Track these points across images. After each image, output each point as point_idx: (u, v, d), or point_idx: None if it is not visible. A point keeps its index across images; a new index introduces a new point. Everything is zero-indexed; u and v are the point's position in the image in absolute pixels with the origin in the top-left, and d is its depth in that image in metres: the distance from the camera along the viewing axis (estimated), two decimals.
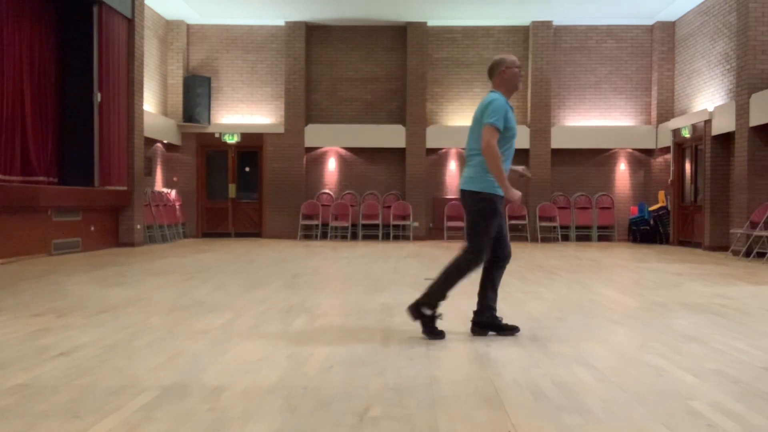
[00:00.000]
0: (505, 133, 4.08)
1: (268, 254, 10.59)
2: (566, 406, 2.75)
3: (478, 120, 4.14)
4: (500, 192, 4.07)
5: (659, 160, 14.86)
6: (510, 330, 4.22)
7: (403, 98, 15.20)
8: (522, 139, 14.83)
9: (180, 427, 2.46)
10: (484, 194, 4.07)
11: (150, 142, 13.60)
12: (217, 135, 15.19)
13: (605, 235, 15.02)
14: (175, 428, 2.45)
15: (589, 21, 14.85)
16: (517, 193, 4.07)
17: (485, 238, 4.09)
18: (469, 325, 4.27)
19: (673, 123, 13.84)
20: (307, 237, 15.00)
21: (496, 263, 4.24)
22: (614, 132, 14.90)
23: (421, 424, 2.51)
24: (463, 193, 4.19)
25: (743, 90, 11.02)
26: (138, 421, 2.52)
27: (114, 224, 11.88)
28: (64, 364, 3.36)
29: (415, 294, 6.04)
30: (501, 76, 4.23)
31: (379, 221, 14.86)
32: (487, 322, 4.22)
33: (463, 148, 15.23)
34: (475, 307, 4.27)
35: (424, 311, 4.09)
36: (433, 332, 4.08)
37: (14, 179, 9.61)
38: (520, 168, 4.55)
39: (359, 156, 15.39)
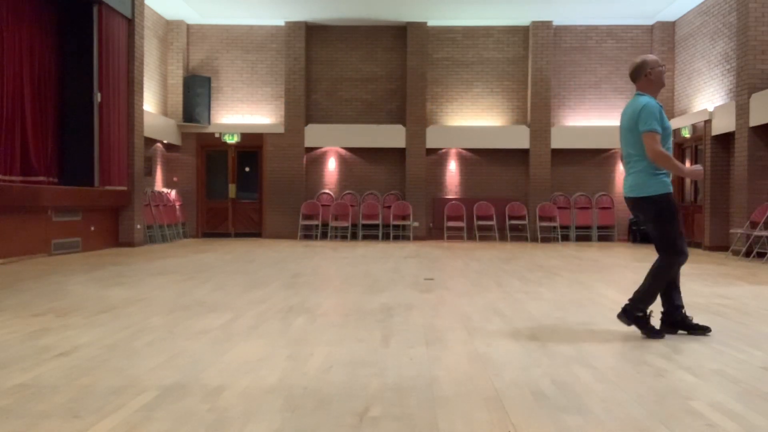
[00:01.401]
0: (662, 134, 4.09)
1: (268, 254, 10.59)
2: (566, 406, 2.75)
3: (631, 126, 4.14)
4: (670, 189, 4.13)
5: None
6: (702, 330, 4.22)
7: (403, 98, 15.20)
8: (522, 139, 14.84)
9: (180, 427, 2.46)
10: (656, 197, 4.10)
11: (150, 142, 13.60)
12: (217, 135, 15.19)
13: (605, 235, 15.02)
14: (175, 428, 2.45)
15: (589, 21, 14.85)
16: (698, 168, 4.20)
17: (676, 235, 4.10)
18: (658, 324, 4.26)
19: (673, 123, 13.84)
20: (307, 237, 15.00)
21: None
22: (614, 132, 14.76)
23: (421, 424, 2.51)
24: (634, 201, 4.21)
25: (743, 90, 11.02)
26: (138, 421, 2.52)
27: (114, 224, 11.88)
28: (64, 364, 3.36)
29: (416, 293, 6.06)
30: (647, 78, 4.23)
31: (379, 221, 14.86)
32: (678, 321, 4.23)
33: (463, 149, 15.27)
34: (661, 308, 4.29)
35: (638, 315, 4.18)
36: (652, 331, 4.14)
37: (14, 179, 9.61)
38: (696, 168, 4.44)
39: (359, 156, 15.38)
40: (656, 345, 3.93)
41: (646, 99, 4.15)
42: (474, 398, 2.85)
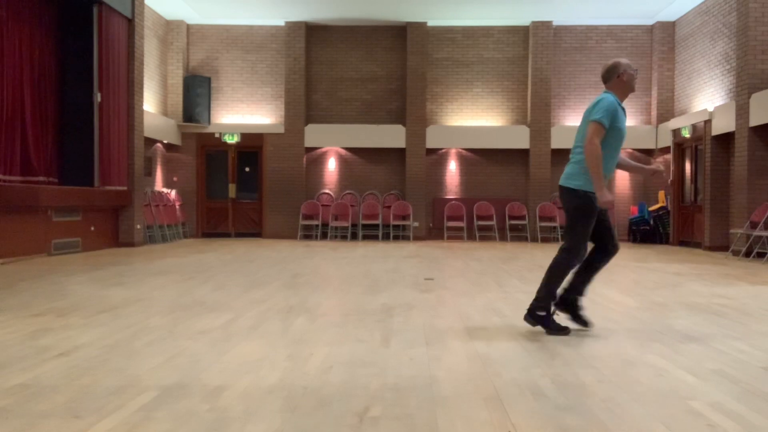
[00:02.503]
0: (611, 132, 4.10)
1: (268, 254, 10.59)
2: (566, 406, 2.75)
3: (585, 118, 4.20)
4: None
5: (659, 160, 14.85)
6: (584, 323, 4.30)
7: (403, 98, 15.20)
8: (522, 139, 14.84)
9: (180, 427, 2.46)
10: (581, 192, 4.13)
11: (150, 142, 13.60)
12: (217, 135, 15.19)
13: None
14: (175, 428, 2.45)
15: (589, 21, 14.85)
16: (609, 196, 4.07)
17: (583, 235, 4.16)
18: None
19: (673, 123, 13.84)
20: (307, 237, 15.00)
21: (605, 255, 4.32)
22: None
23: (421, 424, 2.51)
24: (562, 189, 4.27)
25: (743, 90, 11.02)
26: (138, 421, 2.52)
27: (114, 224, 11.88)
28: (64, 364, 3.36)
29: (416, 293, 6.05)
30: (619, 80, 4.27)
31: (379, 221, 14.86)
32: (571, 300, 4.30)
33: (463, 149, 15.27)
34: (565, 286, 4.32)
35: (539, 314, 4.22)
36: (557, 328, 4.19)
37: (14, 179, 9.61)
38: (653, 165, 4.54)
39: (359, 156, 15.39)
40: (656, 345, 3.94)
41: (607, 95, 4.20)
42: (474, 398, 2.85)
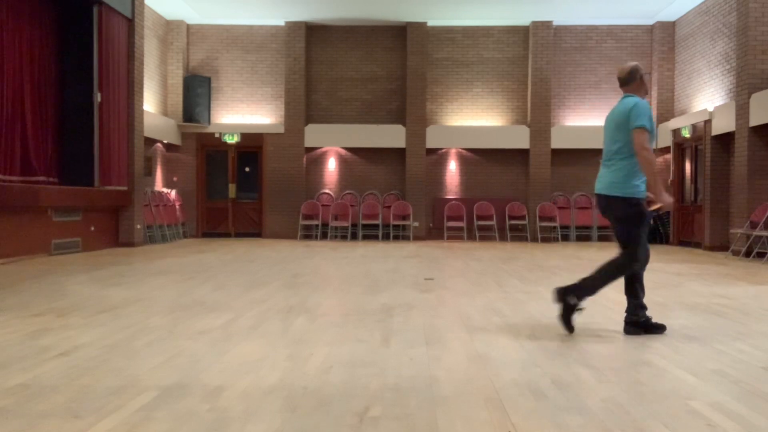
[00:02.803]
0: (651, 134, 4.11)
1: (268, 254, 10.59)
2: (566, 406, 2.75)
3: (620, 124, 4.16)
4: (645, 195, 4.14)
5: (659, 160, 14.85)
6: (658, 328, 4.25)
7: (403, 98, 15.20)
8: (522, 139, 14.84)
9: (180, 427, 2.46)
10: (633, 200, 4.11)
11: (150, 142, 13.60)
12: (217, 135, 15.19)
13: (605, 235, 15.01)
14: (175, 428, 2.45)
15: (589, 21, 14.85)
16: (670, 198, 4.09)
17: (642, 240, 4.15)
18: (622, 325, 4.31)
19: (673, 123, 13.84)
20: (307, 237, 15.00)
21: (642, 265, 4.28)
22: None
23: (421, 424, 2.51)
24: (607, 198, 4.21)
25: (743, 90, 11.01)
26: (138, 421, 2.52)
27: (114, 224, 11.88)
28: (64, 364, 3.36)
29: (416, 293, 6.05)
30: (640, 82, 4.29)
31: (379, 221, 14.86)
32: (642, 321, 4.23)
33: (463, 149, 15.27)
34: (626, 308, 4.30)
35: (570, 299, 4.15)
36: (567, 322, 4.18)
37: (14, 179, 9.61)
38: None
39: (359, 156, 15.38)
40: (656, 345, 3.94)
41: (637, 99, 4.20)
42: (474, 398, 2.85)
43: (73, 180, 10.78)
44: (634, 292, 4.23)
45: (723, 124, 11.82)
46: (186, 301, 5.54)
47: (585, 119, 15.08)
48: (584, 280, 4.20)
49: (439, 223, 15.11)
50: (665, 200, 4.06)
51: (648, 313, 4.29)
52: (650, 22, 14.73)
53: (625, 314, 4.30)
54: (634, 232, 4.12)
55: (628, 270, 4.18)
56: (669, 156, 14.30)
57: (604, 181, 4.25)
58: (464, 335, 4.20)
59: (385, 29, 15.31)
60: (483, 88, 15.27)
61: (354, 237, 14.96)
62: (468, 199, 15.15)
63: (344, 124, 15.20)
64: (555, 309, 5.27)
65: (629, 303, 4.27)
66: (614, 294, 6.20)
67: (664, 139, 14.35)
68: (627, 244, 4.15)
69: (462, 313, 5.03)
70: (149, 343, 3.90)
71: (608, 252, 11.73)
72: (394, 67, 15.35)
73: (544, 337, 4.16)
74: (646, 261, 4.26)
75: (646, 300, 4.31)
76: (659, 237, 14.26)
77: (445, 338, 4.10)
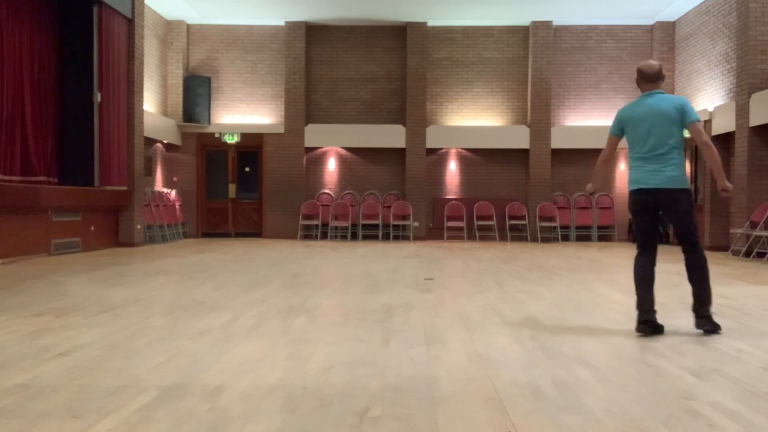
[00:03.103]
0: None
1: (268, 254, 10.59)
2: (566, 406, 2.75)
3: (675, 119, 4.22)
4: None
5: None
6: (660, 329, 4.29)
7: (403, 98, 15.20)
8: (522, 139, 14.84)
9: (180, 427, 2.46)
10: (689, 189, 4.32)
11: (150, 142, 13.60)
12: (217, 135, 15.19)
13: (605, 235, 15.02)
14: (175, 428, 2.45)
15: (589, 21, 14.85)
16: (731, 185, 4.29)
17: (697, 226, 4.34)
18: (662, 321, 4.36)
19: None
20: (307, 237, 15.00)
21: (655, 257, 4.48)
22: None
23: (421, 424, 2.51)
24: (672, 192, 4.23)
25: (743, 90, 11.02)
26: (138, 421, 2.52)
27: (114, 224, 11.87)
28: (64, 364, 3.36)
29: (416, 293, 6.05)
30: (664, 79, 4.42)
31: (379, 221, 14.86)
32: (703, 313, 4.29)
33: (463, 149, 15.26)
34: (692, 302, 4.35)
35: (705, 312, 4.26)
36: (717, 327, 4.25)
37: (14, 179, 9.61)
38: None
39: (359, 156, 15.38)
40: (656, 345, 3.94)
41: (670, 95, 4.36)
42: (474, 398, 2.85)
43: (73, 180, 10.78)
44: (651, 291, 4.31)
45: (723, 124, 11.83)
46: (186, 301, 5.54)
47: (585, 119, 15.08)
48: (702, 295, 4.28)
49: (439, 223, 15.11)
50: (729, 187, 4.26)
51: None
52: (650, 22, 14.73)
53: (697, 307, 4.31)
54: (694, 218, 4.33)
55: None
56: None
57: (664, 175, 4.22)
58: (464, 335, 4.20)
59: (385, 29, 15.31)
60: (483, 88, 15.27)
61: (354, 237, 14.96)
62: (468, 199, 15.15)
63: (344, 124, 15.20)
64: (554, 309, 5.27)
65: (697, 296, 4.31)
66: (614, 294, 6.20)
67: None
68: (694, 229, 4.29)
69: (462, 313, 5.03)
70: (149, 343, 3.89)
71: (608, 251, 11.78)
72: (394, 67, 15.35)
73: (544, 337, 4.16)
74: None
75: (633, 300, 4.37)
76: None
77: (445, 338, 4.10)
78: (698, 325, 4.25)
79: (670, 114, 4.21)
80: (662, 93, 4.33)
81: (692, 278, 4.31)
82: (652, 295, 4.26)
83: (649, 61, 4.51)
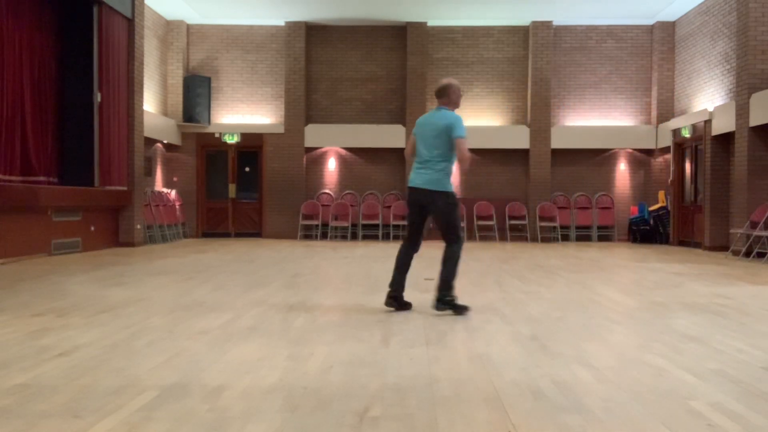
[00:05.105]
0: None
1: (268, 254, 10.59)
2: (566, 406, 2.75)
3: (440, 133, 4.96)
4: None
5: (659, 160, 14.86)
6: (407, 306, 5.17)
7: (403, 98, 15.20)
8: (522, 139, 14.84)
9: (180, 427, 2.46)
10: (451, 193, 5.05)
11: (150, 142, 13.60)
12: (217, 135, 15.19)
13: (605, 235, 15.03)
14: (175, 428, 2.45)
15: (589, 21, 14.85)
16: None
17: (459, 225, 5.10)
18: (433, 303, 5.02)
19: (673, 123, 13.84)
20: (307, 237, 15.00)
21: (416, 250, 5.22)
22: (614, 132, 14.90)
23: (421, 424, 2.51)
24: (431, 193, 4.98)
25: (743, 90, 11.02)
26: (138, 421, 2.52)
27: (114, 224, 11.88)
28: (64, 364, 3.36)
29: (416, 293, 6.05)
30: (451, 97, 5.11)
31: (379, 221, 14.86)
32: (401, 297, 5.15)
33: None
34: (391, 287, 5.13)
35: (448, 299, 4.92)
36: (461, 308, 4.92)
37: (14, 179, 9.61)
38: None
39: (359, 156, 15.38)
40: (656, 345, 3.94)
41: (454, 113, 5.02)
42: (474, 398, 2.85)
43: (73, 180, 10.78)
44: (403, 275, 5.14)
45: (723, 124, 11.82)
46: (186, 301, 5.54)
47: (585, 119, 15.08)
48: (442, 282, 4.95)
49: None
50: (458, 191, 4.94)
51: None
52: (650, 22, 14.73)
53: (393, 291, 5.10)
54: (455, 217, 5.04)
55: (462, 250, 5.02)
56: (669, 156, 14.31)
57: (425, 179, 4.99)
58: (464, 335, 4.20)
59: (385, 29, 15.31)
60: (483, 88, 15.27)
61: (354, 237, 14.96)
62: (468, 199, 15.14)
63: (344, 124, 15.20)
64: (554, 309, 5.27)
65: (400, 284, 5.13)
66: (614, 294, 6.21)
67: (664, 139, 14.36)
68: (455, 228, 5.01)
69: (462, 313, 5.02)
70: (149, 343, 3.90)
71: (608, 251, 11.79)
72: (394, 67, 15.35)
73: (544, 337, 4.16)
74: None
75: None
76: (659, 237, 14.26)
77: (445, 338, 4.10)
78: (435, 306, 4.95)
79: (435, 127, 4.97)
80: (444, 109, 5.05)
81: (442, 267, 4.98)
82: (404, 279, 5.14)
83: (443, 79, 5.28)
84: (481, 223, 14.86)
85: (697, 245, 12.77)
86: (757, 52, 10.91)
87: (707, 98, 12.88)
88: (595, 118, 15.03)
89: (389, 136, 14.99)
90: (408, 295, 5.95)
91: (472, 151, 15.28)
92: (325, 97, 15.46)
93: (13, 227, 9.14)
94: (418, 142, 5.11)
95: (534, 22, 14.81)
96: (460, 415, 2.63)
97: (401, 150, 15.11)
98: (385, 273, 7.87)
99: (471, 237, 14.90)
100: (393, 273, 5.12)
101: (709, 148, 12.30)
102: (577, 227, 14.99)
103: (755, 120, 10.67)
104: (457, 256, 4.97)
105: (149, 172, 13.73)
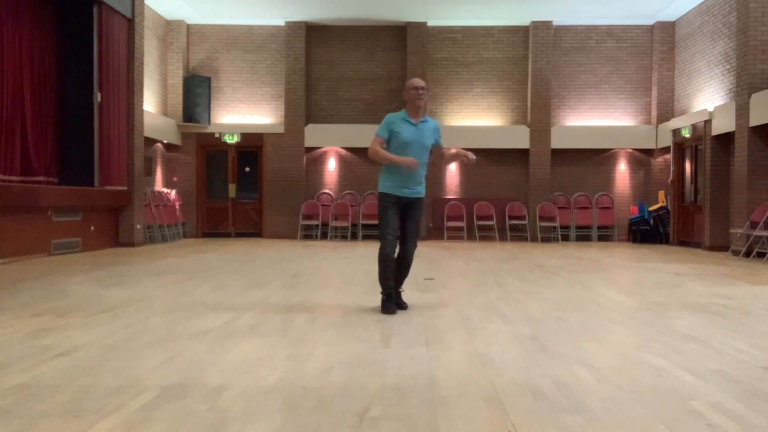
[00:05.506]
0: (395, 137, 5.17)
1: (268, 254, 10.59)
2: (566, 406, 2.75)
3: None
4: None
5: (659, 160, 14.86)
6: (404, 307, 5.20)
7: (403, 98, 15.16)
8: (522, 139, 14.84)
9: (180, 427, 2.46)
10: (380, 193, 5.14)
11: (150, 142, 13.60)
12: (217, 135, 15.19)
13: (605, 235, 15.03)
14: (175, 428, 2.45)
15: (589, 21, 14.85)
16: (410, 159, 5.01)
17: (384, 224, 5.07)
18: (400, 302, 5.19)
19: (673, 123, 13.84)
20: (307, 237, 15.00)
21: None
22: (614, 132, 14.90)
23: (421, 424, 2.51)
24: (419, 201, 5.17)
25: (743, 90, 11.02)
26: (138, 421, 2.52)
27: (114, 224, 11.88)
28: (64, 364, 3.36)
29: (416, 293, 6.05)
30: (404, 97, 5.45)
31: None
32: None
33: (463, 148, 15.22)
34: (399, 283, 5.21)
35: (382, 296, 5.10)
36: (384, 306, 5.02)
37: (14, 179, 9.61)
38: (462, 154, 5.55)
39: (359, 156, 15.38)
40: (656, 345, 3.94)
41: (391, 113, 5.30)
42: (474, 398, 2.85)
43: (73, 180, 10.78)
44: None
45: (723, 124, 11.83)
46: (186, 301, 5.54)
47: (585, 119, 15.08)
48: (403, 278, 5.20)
49: (439, 223, 15.11)
50: (407, 162, 4.97)
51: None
52: (650, 22, 14.73)
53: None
54: (379, 219, 5.11)
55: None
56: (669, 156, 14.31)
57: (420, 188, 5.20)
58: (464, 335, 4.20)
59: (385, 29, 15.32)
60: (483, 88, 15.27)
61: (354, 237, 14.96)
62: (468, 199, 15.15)
63: (344, 124, 15.20)
64: (554, 309, 5.28)
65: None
66: (614, 294, 6.21)
67: (664, 139, 14.36)
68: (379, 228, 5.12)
69: (462, 313, 5.03)
70: (149, 343, 3.90)
71: (608, 251, 11.79)
72: (394, 67, 15.35)
73: (544, 337, 4.16)
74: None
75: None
76: (659, 237, 14.26)
77: (445, 338, 4.10)
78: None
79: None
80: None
81: (402, 266, 5.12)
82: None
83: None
84: (481, 223, 14.86)
85: (697, 245, 12.77)
86: (757, 52, 10.91)
87: (707, 98, 12.89)
88: (595, 118, 15.03)
89: None
90: (408, 296, 5.96)
91: (472, 151, 15.40)
92: (325, 97, 15.46)
93: (13, 227, 9.14)
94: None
95: (534, 22, 14.82)
96: (460, 415, 2.63)
97: None
98: None
99: (471, 237, 14.90)
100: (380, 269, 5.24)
101: (709, 148, 12.30)
102: (577, 227, 14.99)
103: (755, 120, 10.67)
104: (379, 254, 5.03)
105: (149, 172, 13.73)
